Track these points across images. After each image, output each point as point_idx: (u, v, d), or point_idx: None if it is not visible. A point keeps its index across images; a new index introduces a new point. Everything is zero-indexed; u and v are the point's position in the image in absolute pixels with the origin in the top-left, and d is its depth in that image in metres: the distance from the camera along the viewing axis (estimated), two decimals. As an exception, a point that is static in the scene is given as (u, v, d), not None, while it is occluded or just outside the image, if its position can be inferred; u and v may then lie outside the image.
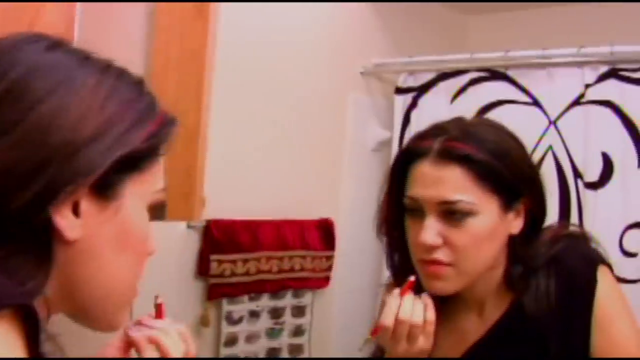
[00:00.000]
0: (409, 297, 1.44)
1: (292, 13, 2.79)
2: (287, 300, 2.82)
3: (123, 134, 0.82)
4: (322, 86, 2.97)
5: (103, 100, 0.81)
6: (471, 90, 2.92)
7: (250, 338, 2.68)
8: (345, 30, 3.07)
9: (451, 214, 1.41)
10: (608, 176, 2.55)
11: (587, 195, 2.59)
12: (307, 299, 2.90)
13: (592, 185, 2.58)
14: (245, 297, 2.65)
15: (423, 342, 1.42)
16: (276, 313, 2.78)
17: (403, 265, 1.55)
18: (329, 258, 2.93)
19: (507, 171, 1.41)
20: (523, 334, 1.47)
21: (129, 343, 1.22)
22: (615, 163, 2.54)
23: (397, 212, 1.52)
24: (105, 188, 0.83)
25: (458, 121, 1.52)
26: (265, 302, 2.73)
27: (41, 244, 0.79)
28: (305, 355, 2.90)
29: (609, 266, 1.51)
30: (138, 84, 0.88)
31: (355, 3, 3.10)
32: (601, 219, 2.54)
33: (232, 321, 2.62)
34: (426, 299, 1.45)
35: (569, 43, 2.70)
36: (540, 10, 3.48)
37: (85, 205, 0.81)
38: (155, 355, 1.18)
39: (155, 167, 0.90)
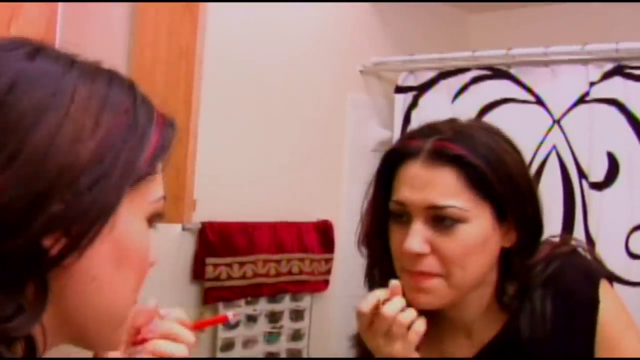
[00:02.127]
0: (401, 298, 1.32)
1: (288, 10, 2.74)
2: (285, 304, 2.78)
3: (127, 163, 0.76)
4: (320, 85, 2.93)
5: (97, 116, 0.75)
6: (473, 88, 2.88)
7: (248, 343, 2.64)
8: (344, 28, 3.02)
9: (440, 220, 1.30)
10: (613, 176, 2.50)
11: (592, 195, 2.54)
12: (305, 302, 2.85)
13: (597, 186, 2.53)
14: (242, 301, 2.61)
15: (400, 348, 1.30)
16: (274, 317, 2.73)
17: (384, 280, 1.38)
18: (328, 261, 2.88)
19: (500, 180, 1.30)
20: (518, 357, 1.37)
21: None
22: (621, 163, 2.50)
23: (381, 220, 1.41)
24: None
25: (451, 122, 1.41)
26: (262, 306, 2.69)
27: (32, 266, 0.73)
28: (304, 360, 2.85)
29: (609, 276, 1.42)
30: (130, 89, 0.82)
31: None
32: (606, 220, 2.50)
33: (229, 326, 2.56)
34: (416, 312, 1.32)
35: (573, 40, 2.66)
36: (543, 7, 3.43)
37: None
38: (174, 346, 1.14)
39: (153, 177, 0.83)
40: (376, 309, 1.32)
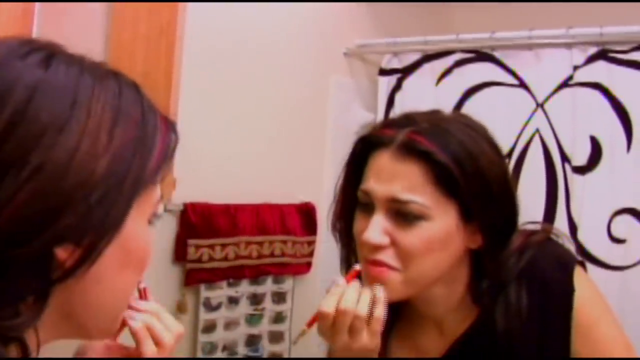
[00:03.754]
0: (354, 285, 1.30)
1: (273, -9, 2.71)
2: (267, 286, 2.77)
3: (136, 175, 0.78)
4: (303, 67, 2.91)
5: (111, 129, 0.77)
6: (457, 72, 2.88)
7: (229, 325, 2.63)
8: (328, 10, 3.00)
9: (402, 214, 1.28)
10: (596, 160, 2.51)
11: (575, 179, 2.55)
12: (287, 285, 2.84)
13: (580, 170, 2.54)
14: (224, 283, 2.60)
15: (367, 340, 1.27)
16: (256, 299, 2.72)
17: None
18: (310, 243, 2.88)
19: (468, 180, 1.26)
20: (490, 349, 1.35)
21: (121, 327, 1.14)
22: (604, 147, 2.51)
23: (350, 206, 1.39)
24: None
25: (433, 113, 1.38)
26: (244, 288, 2.68)
27: (39, 276, 0.75)
28: (286, 342, 2.85)
29: (582, 263, 1.41)
30: (137, 94, 0.83)
31: (339, -18, 3.03)
32: (589, 204, 2.51)
33: (210, 307, 2.56)
34: (379, 292, 1.29)
35: (557, 24, 2.65)
36: (528, -9, 3.42)
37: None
38: (154, 349, 1.09)
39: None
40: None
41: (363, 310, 1.27)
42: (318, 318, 1.29)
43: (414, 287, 1.33)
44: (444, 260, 1.31)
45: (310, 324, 1.32)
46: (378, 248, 1.30)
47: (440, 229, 1.28)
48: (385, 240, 1.29)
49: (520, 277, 1.34)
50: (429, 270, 1.31)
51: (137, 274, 0.88)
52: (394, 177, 1.28)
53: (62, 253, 0.75)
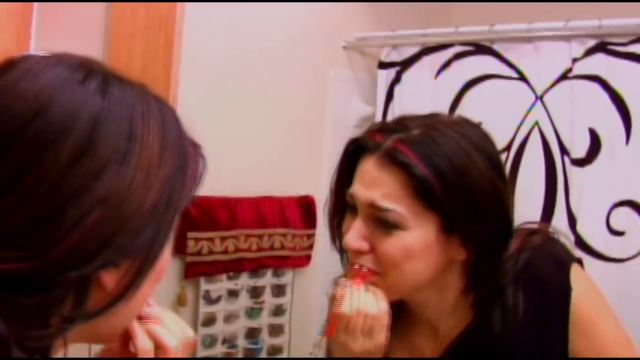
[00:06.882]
0: (361, 286, 1.31)
1: (272, -16, 2.71)
2: (267, 279, 2.78)
3: (177, 203, 0.82)
4: (303, 60, 2.91)
5: (160, 160, 0.80)
6: (456, 64, 2.87)
7: (229, 318, 2.64)
8: (327, 4, 3.00)
9: (381, 220, 1.28)
10: (595, 153, 2.51)
11: (574, 172, 2.55)
12: (287, 278, 2.85)
13: (579, 162, 2.54)
14: (224, 276, 2.61)
15: (380, 337, 1.30)
16: (256, 292, 2.73)
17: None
18: (310, 236, 2.88)
19: (451, 194, 1.24)
20: (487, 351, 1.36)
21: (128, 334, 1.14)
22: (603, 139, 2.51)
23: (343, 207, 1.40)
24: None
25: (428, 119, 1.35)
26: (244, 280, 2.68)
27: (79, 297, 0.78)
28: (286, 334, 2.86)
29: (579, 261, 1.41)
30: (177, 122, 0.86)
31: (338, -25, 3.02)
32: (588, 196, 2.51)
33: (210, 300, 2.57)
34: (375, 289, 1.32)
35: (556, 16, 2.65)
36: (527, -16, 3.41)
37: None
38: (150, 345, 1.06)
39: None
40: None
41: (372, 308, 1.29)
42: (335, 323, 1.30)
43: (396, 293, 1.34)
44: (423, 270, 1.31)
45: (330, 332, 1.32)
46: (358, 252, 1.31)
47: (418, 239, 1.28)
48: (364, 245, 1.31)
49: (518, 279, 1.34)
50: (407, 279, 1.32)
51: (156, 285, 0.90)
52: (375, 184, 1.29)
53: (107, 277, 0.78)
